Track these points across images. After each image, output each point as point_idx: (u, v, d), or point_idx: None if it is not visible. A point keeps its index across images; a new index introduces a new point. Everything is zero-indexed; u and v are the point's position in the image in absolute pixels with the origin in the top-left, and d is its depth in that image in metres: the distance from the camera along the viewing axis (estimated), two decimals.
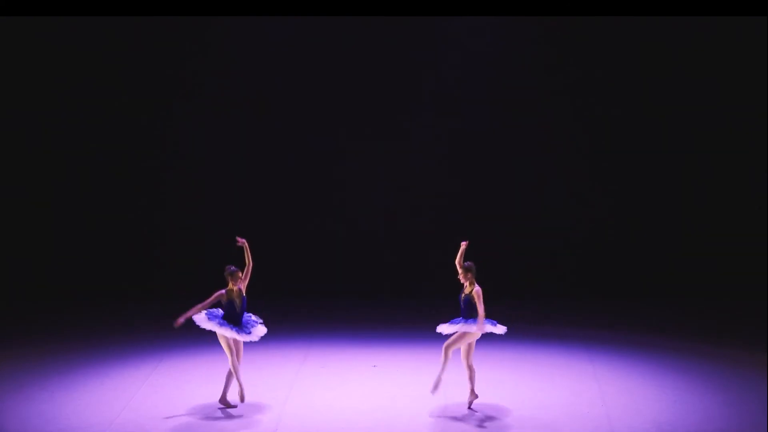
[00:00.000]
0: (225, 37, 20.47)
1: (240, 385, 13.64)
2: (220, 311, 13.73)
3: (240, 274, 13.76)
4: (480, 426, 13.30)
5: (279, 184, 20.76)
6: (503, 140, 20.56)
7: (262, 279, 14.79)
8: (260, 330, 13.91)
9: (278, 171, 20.75)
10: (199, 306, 13.52)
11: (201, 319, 13.57)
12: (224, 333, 13.58)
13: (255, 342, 13.90)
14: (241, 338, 13.64)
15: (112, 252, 20.77)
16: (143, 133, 20.63)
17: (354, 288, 20.55)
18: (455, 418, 13.56)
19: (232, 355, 13.62)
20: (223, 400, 13.90)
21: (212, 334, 13.79)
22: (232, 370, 13.71)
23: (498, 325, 13.76)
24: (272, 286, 19.33)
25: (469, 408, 13.80)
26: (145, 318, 18.97)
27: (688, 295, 20.22)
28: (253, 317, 14.00)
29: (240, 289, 13.74)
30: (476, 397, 13.79)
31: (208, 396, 14.34)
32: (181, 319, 13.42)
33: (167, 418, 13.59)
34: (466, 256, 13.88)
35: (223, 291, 13.66)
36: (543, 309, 19.74)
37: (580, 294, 20.47)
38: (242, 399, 13.66)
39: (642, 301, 20.18)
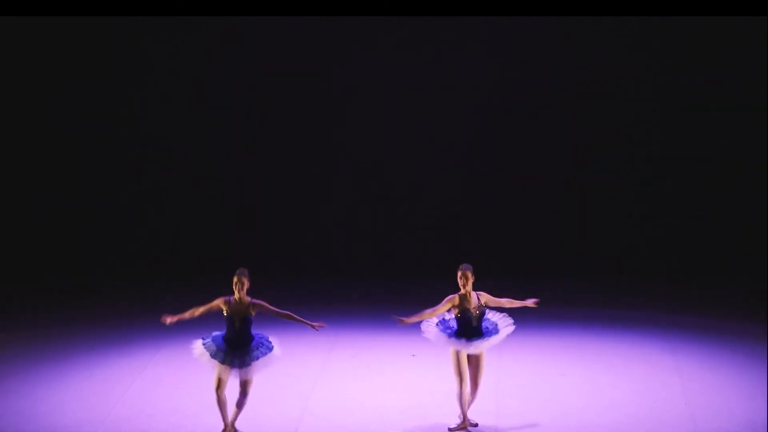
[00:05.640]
0: (225, 37, 20.41)
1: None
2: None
3: (246, 281, 11.60)
4: (535, 428, 11.88)
5: (280, 183, 20.71)
6: (519, 133, 20.58)
7: (289, 262, 14.68)
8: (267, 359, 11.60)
9: (278, 171, 20.69)
10: (195, 310, 11.53)
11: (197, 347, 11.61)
12: (210, 366, 11.47)
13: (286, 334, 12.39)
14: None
15: (102, 235, 20.52)
16: (142, 133, 20.58)
17: (388, 270, 19.88)
18: (509, 418, 12.13)
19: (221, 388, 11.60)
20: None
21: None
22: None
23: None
24: (298, 266, 19.32)
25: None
26: (140, 303, 17.02)
27: None
28: (264, 343, 11.70)
29: (247, 304, 11.59)
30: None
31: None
32: (173, 319, 11.58)
33: (168, 414, 12.04)
34: (465, 258, 12.27)
35: (222, 299, 11.54)
36: (612, 290, 17.68)
37: (657, 273, 19.03)
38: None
39: (733, 282, 18.10)
